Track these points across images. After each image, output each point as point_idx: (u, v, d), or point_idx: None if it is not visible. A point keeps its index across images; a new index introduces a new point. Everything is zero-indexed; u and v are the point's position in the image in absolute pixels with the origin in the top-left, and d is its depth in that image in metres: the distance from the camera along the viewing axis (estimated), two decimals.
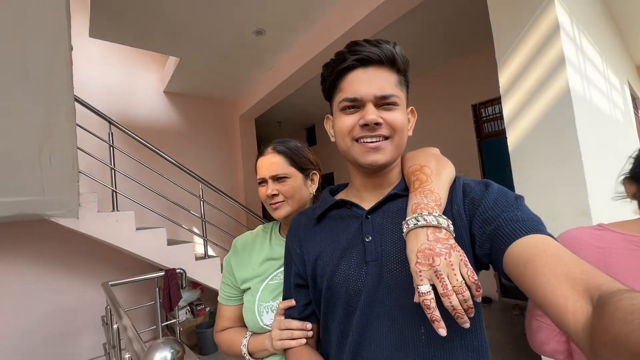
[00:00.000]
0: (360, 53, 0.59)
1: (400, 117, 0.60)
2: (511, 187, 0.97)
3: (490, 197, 0.57)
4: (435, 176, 0.62)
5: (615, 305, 0.31)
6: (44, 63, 1.60)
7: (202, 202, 3.22)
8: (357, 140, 0.61)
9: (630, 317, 0.29)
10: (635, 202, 0.71)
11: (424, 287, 0.47)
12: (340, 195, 0.75)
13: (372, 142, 0.60)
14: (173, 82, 3.89)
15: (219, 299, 0.96)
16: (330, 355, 0.65)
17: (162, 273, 2.65)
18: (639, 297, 0.30)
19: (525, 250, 0.47)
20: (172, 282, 2.68)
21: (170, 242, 3.05)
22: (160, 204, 3.42)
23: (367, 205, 0.66)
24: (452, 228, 0.53)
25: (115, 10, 2.62)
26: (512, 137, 1.65)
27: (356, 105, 0.60)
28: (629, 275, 0.61)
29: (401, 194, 0.64)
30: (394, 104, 0.60)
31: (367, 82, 0.59)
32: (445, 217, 0.53)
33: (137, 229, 2.73)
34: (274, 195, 0.87)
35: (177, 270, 2.72)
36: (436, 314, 0.45)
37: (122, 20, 2.75)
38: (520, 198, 0.56)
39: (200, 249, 3.57)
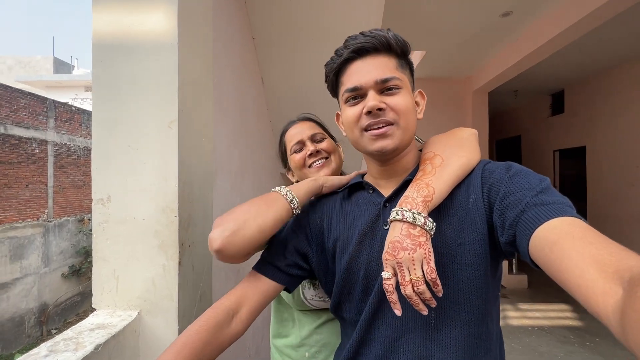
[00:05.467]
0: (355, 45, 0.61)
1: (404, 100, 0.60)
2: None
3: (511, 182, 0.55)
4: (442, 168, 0.59)
5: None
6: None
7: None
8: (366, 130, 0.61)
9: None
10: None
11: (385, 274, 0.53)
12: (366, 179, 0.73)
13: (378, 128, 0.60)
14: (416, 70, 4.66)
15: None
16: (344, 331, 0.70)
17: None
18: None
19: (550, 233, 0.45)
20: None
21: None
22: None
23: (385, 192, 0.67)
24: (429, 226, 0.53)
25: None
26: None
27: (359, 94, 0.61)
28: None
29: None
30: (396, 87, 0.60)
31: (366, 70, 0.60)
32: (425, 216, 0.54)
33: None
34: (316, 152, 0.86)
35: None
36: (393, 297, 0.52)
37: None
38: (544, 180, 0.54)
39: None
